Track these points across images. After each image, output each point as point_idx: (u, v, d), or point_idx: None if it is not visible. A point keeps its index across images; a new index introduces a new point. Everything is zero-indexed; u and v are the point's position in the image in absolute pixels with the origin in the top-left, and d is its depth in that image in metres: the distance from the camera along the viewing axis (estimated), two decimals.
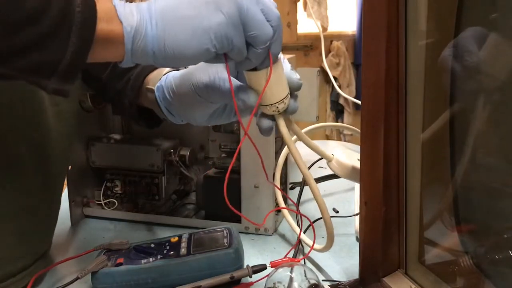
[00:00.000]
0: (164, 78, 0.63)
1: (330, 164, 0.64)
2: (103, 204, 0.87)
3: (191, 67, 0.59)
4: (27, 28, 0.40)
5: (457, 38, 0.47)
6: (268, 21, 0.47)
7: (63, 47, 0.42)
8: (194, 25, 0.45)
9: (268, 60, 0.49)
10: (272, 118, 0.54)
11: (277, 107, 0.52)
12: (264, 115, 0.54)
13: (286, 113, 0.54)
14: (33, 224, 0.63)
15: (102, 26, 0.44)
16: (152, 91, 0.63)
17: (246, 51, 0.47)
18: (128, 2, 0.47)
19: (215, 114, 0.61)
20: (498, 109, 0.46)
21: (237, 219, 0.78)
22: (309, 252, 0.70)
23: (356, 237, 0.77)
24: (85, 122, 0.84)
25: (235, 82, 0.54)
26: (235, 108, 0.51)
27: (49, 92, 0.44)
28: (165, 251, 0.64)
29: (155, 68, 0.67)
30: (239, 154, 0.77)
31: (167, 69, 0.65)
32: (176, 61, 0.47)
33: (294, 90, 0.54)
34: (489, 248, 0.50)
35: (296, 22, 2.98)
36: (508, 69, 0.43)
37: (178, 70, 0.64)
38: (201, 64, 0.52)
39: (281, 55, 0.51)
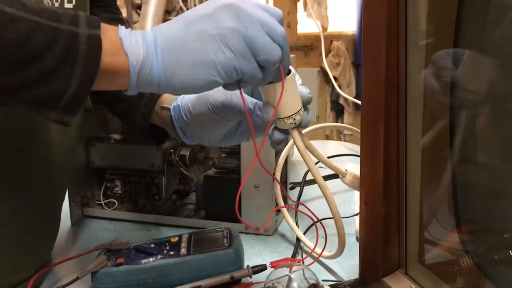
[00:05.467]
0: (180, 98, 0.63)
1: (344, 179, 0.65)
2: (103, 204, 0.87)
3: None
4: (31, 65, 0.41)
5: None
6: (274, 41, 0.46)
7: (66, 83, 0.42)
8: (201, 59, 0.44)
9: (283, 68, 0.49)
10: (285, 131, 0.54)
11: (294, 119, 0.52)
12: (276, 128, 0.54)
13: (300, 126, 0.54)
14: (34, 238, 0.63)
15: (107, 59, 0.43)
16: (168, 109, 0.63)
17: (260, 74, 0.47)
18: (133, 31, 0.46)
19: (228, 134, 0.62)
20: (497, 110, 0.46)
21: (237, 219, 0.78)
22: (309, 254, 0.70)
23: (356, 237, 0.77)
24: (85, 122, 0.84)
25: (251, 100, 0.54)
26: (250, 126, 0.51)
27: (51, 121, 0.44)
28: (165, 251, 0.64)
29: None
30: (239, 154, 0.78)
31: None
32: (183, 92, 0.47)
33: (305, 103, 0.54)
34: (489, 248, 0.50)
35: (296, 22, 2.99)
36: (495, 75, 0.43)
37: None
38: None
39: (293, 70, 0.51)
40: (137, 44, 0.45)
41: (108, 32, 0.44)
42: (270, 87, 0.50)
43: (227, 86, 0.49)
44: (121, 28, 0.46)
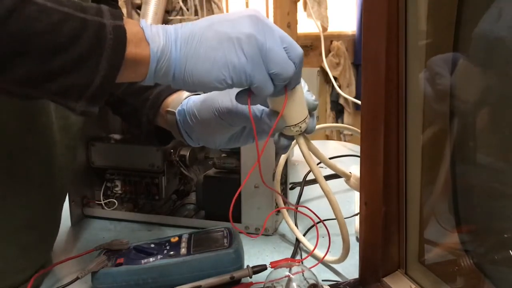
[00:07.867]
0: (185, 102, 0.63)
1: (348, 182, 0.65)
2: (103, 204, 0.87)
3: (212, 92, 0.59)
4: (61, 54, 0.41)
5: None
6: (290, 58, 0.48)
7: (93, 72, 0.43)
8: (215, 56, 0.46)
9: (289, 85, 0.50)
10: (290, 137, 0.55)
11: (300, 127, 0.53)
12: (282, 134, 0.55)
13: (306, 132, 0.55)
14: (35, 238, 0.63)
15: (130, 49, 0.45)
16: (173, 113, 0.64)
17: (271, 86, 0.48)
18: (153, 24, 0.48)
19: (233, 137, 0.62)
20: (497, 110, 0.46)
21: (237, 219, 0.78)
22: (310, 254, 0.70)
23: (356, 237, 0.77)
24: (85, 122, 0.83)
25: (258, 107, 0.55)
26: (255, 136, 0.52)
27: (76, 113, 0.45)
28: (165, 251, 0.64)
29: (175, 91, 0.67)
30: (239, 154, 0.78)
31: (188, 93, 0.65)
32: (193, 87, 0.48)
33: (311, 110, 0.55)
34: (489, 248, 0.50)
35: (296, 22, 2.98)
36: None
37: (199, 94, 0.64)
38: None
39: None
40: (157, 34, 0.46)
41: (130, 23, 0.46)
42: (277, 98, 0.51)
43: (239, 99, 0.50)
44: (142, 21, 0.47)
